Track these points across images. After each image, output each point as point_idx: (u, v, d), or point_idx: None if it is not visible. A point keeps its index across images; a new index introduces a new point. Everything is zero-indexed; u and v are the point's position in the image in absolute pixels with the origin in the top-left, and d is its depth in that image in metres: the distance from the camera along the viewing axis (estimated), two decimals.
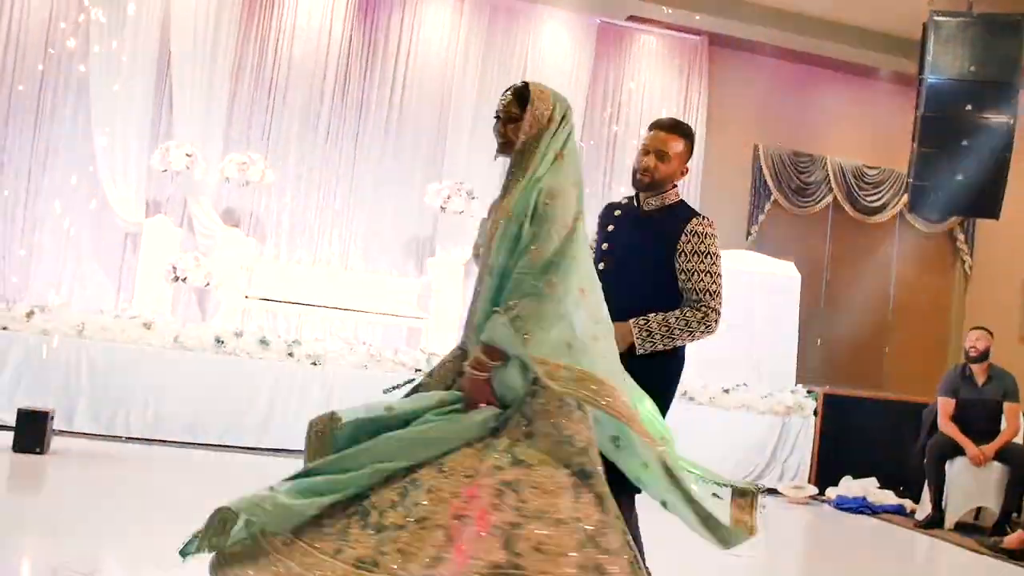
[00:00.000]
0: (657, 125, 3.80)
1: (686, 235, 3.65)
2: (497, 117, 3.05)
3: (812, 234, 11.15)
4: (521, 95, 2.99)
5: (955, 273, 11.80)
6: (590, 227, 3.26)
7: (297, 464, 2.81)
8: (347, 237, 9.91)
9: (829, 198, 11.24)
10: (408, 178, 10.14)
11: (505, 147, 3.04)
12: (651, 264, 3.70)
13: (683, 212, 3.75)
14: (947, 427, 7.75)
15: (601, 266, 3.68)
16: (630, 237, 3.77)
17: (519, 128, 2.97)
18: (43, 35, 9.27)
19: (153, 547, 4.48)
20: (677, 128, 3.77)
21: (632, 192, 3.87)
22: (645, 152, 3.74)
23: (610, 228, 3.82)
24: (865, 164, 11.32)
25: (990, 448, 7.55)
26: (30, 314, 7.34)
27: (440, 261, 9.83)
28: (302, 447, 2.85)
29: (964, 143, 8.47)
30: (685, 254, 3.65)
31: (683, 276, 3.65)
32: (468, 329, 2.99)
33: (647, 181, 3.73)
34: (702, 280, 3.64)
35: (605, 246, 3.79)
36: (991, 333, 7.90)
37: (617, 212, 3.85)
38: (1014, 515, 7.49)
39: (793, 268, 9.66)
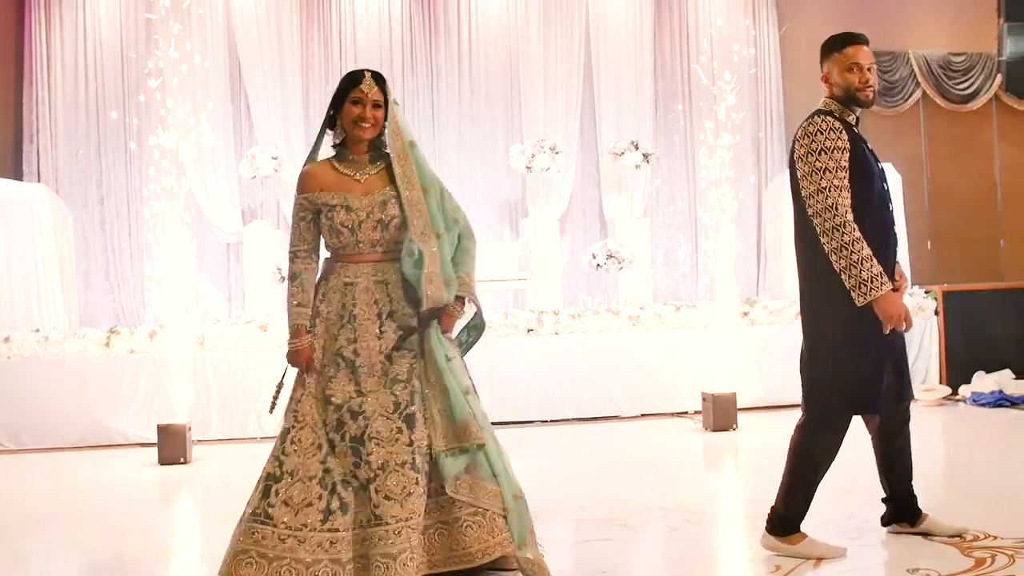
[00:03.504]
0: (860, 39, 3.83)
1: None
2: (358, 101, 3.41)
3: (906, 133, 10.84)
4: (378, 79, 3.46)
5: None
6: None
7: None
8: None
9: (918, 93, 10.90)
10: (489, 144, 10.17)
11: (371, 129, 3.43)
12: None
13: None
14: None
15: (885, 186, 3.76)
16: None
17: (383, 113, 3.43)
18: (118, 68, 9.55)
19: None
20: (868, 40, 3.85)
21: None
22: (861, 69, 3.75)
23: (867, 145, 3.79)
24: (950, 52, 10.93)
25: None
26: (153, 334, 7.61)
27: (535, 220, 9.87)
28: None
29: None
30: None
31: None
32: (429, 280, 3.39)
33: (872, 98, 3.79)
34: None
35: (879, 165, 3.79)
36: None
37: (854, 129, 3.81)
38: None
39: (892, 170, 9.39)
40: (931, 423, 7.57)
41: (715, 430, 7.05)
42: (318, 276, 3.53)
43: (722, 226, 7.49)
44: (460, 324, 3.61)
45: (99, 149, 9.64)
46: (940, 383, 8.43)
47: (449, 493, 3.31)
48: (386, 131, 3.48)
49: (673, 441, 6.98)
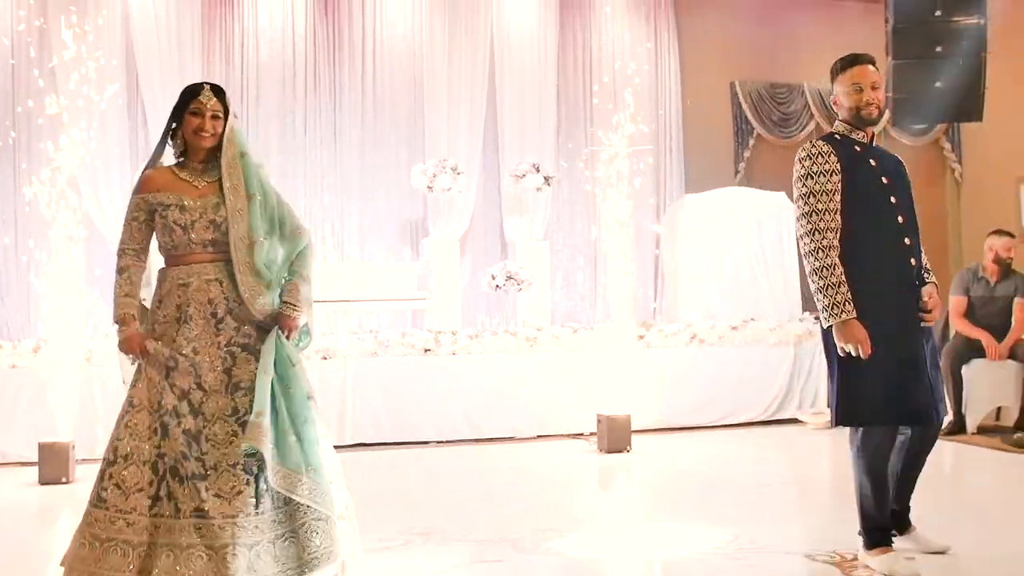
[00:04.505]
0: (861, 60, 3.94)
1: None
2: (198, 112, 3.56)
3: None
4: (216, 91, 3.63)
5: (946, 182, 11.78)
6: None
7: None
8: (340, 230, 9.93)
9: (812, 125, 11.22)
10: (392, 162, 10.15)
11: (211, 139, 3.56)
12: (912, 198, 3.96)
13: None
14: (961, 324, 7.74)
15: (893, 200, 3.83)
16: (895, 174, 3.92)
17: (223, 124, 3.57)
18: (7, 77, 9.26)
19: None
20: (873, 59, 3.98)
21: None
22: (859, 90, 3.88)
23: (873, 163, 3.89)
24: None
25: (1004, 345, 7.55)
26: (37, 349, 7.36)
27: (435, 240, 9.87)
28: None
29: (938, 49, 8.45)
30: None
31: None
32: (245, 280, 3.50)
33: (877, 115, 3.91)
34: None
35: (885, 180, 3.86)
36: (1012, 236, 7.85)
37: (857, 148, 3.90)
38: None
39: (785, 198, 9.64)
40: (819, 447, 7.75)
41: (610, 452, 7.11)
42: (154, 287, 3.63)
43: (620, 250, 7.59)
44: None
45: None
46: (828, 407, 8.60)
47: (272, 484, 3.36)
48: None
49: (568, 462, 7.02)
